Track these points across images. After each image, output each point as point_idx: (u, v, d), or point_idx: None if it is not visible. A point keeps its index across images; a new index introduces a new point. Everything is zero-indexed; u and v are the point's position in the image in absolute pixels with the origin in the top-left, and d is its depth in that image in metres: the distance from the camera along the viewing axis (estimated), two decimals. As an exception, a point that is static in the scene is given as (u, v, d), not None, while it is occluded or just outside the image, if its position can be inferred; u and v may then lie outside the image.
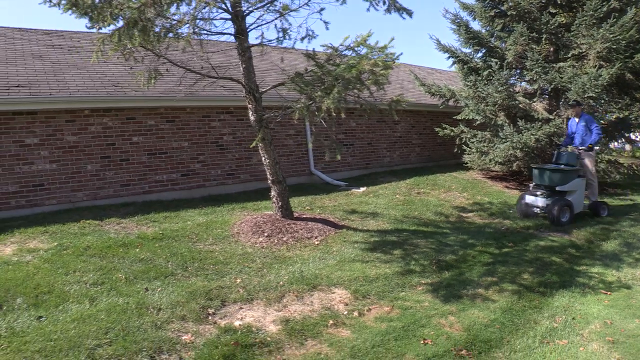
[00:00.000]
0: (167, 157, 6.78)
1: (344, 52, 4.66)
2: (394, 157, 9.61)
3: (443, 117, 10.03)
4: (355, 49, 4.61)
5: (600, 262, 4.76)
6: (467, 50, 8.73)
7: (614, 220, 6.37)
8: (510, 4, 7.78)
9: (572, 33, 7.58)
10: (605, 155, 7.91)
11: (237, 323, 3.17)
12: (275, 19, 4.63)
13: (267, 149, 5.02)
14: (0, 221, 5.67)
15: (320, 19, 4.76)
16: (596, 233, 5.80)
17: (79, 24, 55.58)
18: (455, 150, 9.22)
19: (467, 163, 8.98)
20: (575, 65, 7.48)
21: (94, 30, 4.67)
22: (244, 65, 4.83)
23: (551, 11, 7.90)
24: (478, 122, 8.41)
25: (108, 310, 3.22)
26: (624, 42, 6.97)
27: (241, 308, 3.44)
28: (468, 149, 8.63)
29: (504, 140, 7.79)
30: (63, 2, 3.69)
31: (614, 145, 10.37)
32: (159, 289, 3.64)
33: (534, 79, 7.79)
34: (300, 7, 4.19)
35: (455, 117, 9.05)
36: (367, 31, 4.56)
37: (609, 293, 3.94)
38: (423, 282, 4.09)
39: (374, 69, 3.57)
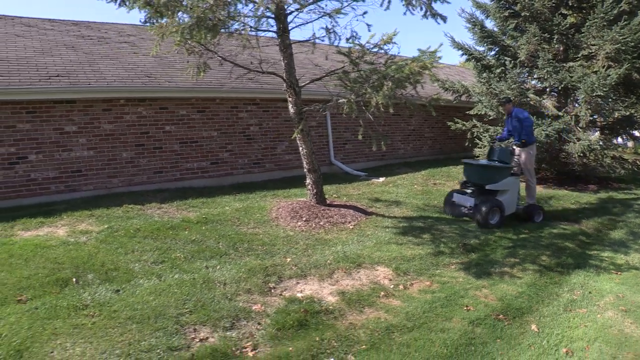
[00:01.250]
0: (197, 145, 7.25)
1: (372, 50, 5.17)
2: (407, 149, 10.17)
3: (454, 112, 10.59)
4: (382, 47, 5.13)
5: (609, 248, 5.37)
6: (481, 48, 9.30)
7: (620, 211, 7.00)
8: (523, 4, 8.32)
9: (582, 34, 8.15)
10: (611, 151, 8.53)
11: (299, 295, 3.68)
12: (317, 18, 5.10)
13: (304, 139, 5.52)
14: (43, 205, 6.13)
15: (364, 21, 5.23)
16: (604, 223, 6.42)
17: (90, 15, 54.96)
18: (467, 144, 9.79)
19: (478, 156, 9.54)
20: (584, 65, 8.07)
21: (147, 24, 5.14)
22: (285, 61, 5.31)
23: (562, 12, 8.46)
24: (491, 117, 8.98)
25: (178, 284, 3.69)
26: (632, 43, 7.55)
27: (298, 283, 3.96)
28: (480, 142, 9.20)
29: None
30: (140, 2, 4.09)
31: (616, 141, 11.02)
32: (218, 267, 4.14)
33: (545, 77, 8.36)
34: (343, 7, 4.63)
35: (467, 112, 9.61)
36: (393, 30, 5.08)
37: (619, 273, 4.54)
38: (454, 261, 4.66)
39: (422, 70, 4.08)
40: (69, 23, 8.87)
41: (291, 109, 5.47)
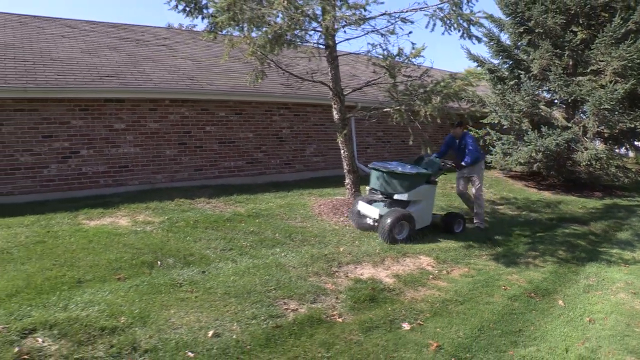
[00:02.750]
0: (234, 146, 8.06)
1: (403, 62, 6.06)
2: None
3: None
4: (411, 59, 6.04)
5: (617, 246, 6.33)
6: (496, 61, 10.31)
7: (625, 216, 8.01)
8: (537, 21, 9.33)
9: (591, 51, 9.19)
10: (615, 160, 9.56)
11: (361, 277, 4.52)
12: (363, 34, 5.98)
13: (346, 143, 6.39)
14: (93, 197, 6.88)
15: (409, 40, 6.11)
16: (610, 225, 7.40)
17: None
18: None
19: (490, 162, 10.53)
20: (593, 80, 9.10)
21: (212, 33, 5.95)
22: (332, 72, 6.17)
23: (573, 29, 9.50)
24: (505, 127, 9.96)
25: (254, 267, 4.48)
26: (638, 60, 8.60)
27: (356, 267, 4.79)
28: (494, 150, 10.18)
29: (527, 143, 9.36)
30: (224, 16, 4.87)
31: (619, 151, 12.13)
32: (282, 254, 4.94)
33: (556, 90, 9.39)
34: (395, 29, 5.50)
35: (481, 121, 10.58)
36: (421, 45, 5.99)
37: (627, 266, 5.48)
38: (483, 253, 5.55)
39: (466, 87, 4.99)
40: (107, 25, 9.64)
41: (335, 115, 6.34)
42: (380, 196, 5.75)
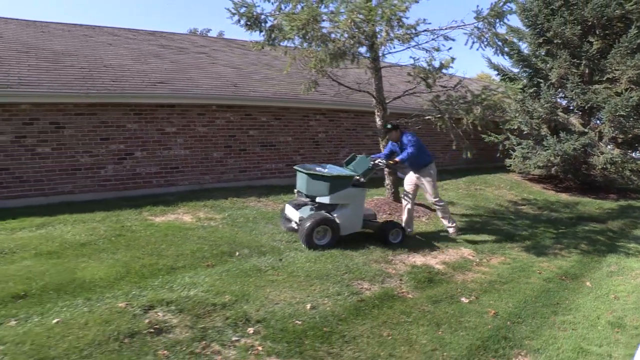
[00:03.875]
0: (275, 149, 9.00)
1: (437, 73, 7.01)
2: (446, 158, 12.08)
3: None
4: (442, 70, 6.98)
5: (634, 242, 7.28)
6: (516, 70, 11.31)
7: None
8: (555, 32, 10.33)
9: (607, 60, 10.19)
10: (629, 164, 10.54)
11: (415, 263, 5.45)
12: (404, 49, 6.93)
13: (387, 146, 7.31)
14: (148, 197, 7.76)
15: (449, 55, 7.10)
16: (627, 224, 8.37)
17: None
18: (498, 155, 11.75)
19: (509, 166, 11.50)
20: (608, 88, 10.10)
21: (276, 44, 6.87)
22: (376, 82, 7.12)
23: (589, 40, 10.51)
24: (525, 132, 10.94)
25: (322, 256, 5.25)
26: (652, 69, 9.61)
27: (408, 256, 5.69)
28: (514, 153, 11.15)
29: (546, 148, 10.33)
30: (300, 33, 5.72)
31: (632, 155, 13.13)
32: (343, 245, 5.86)
33: (573, 97, 10.38)
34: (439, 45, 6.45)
35: (500, 126, 11.56)
36: (450, 58, 6.96)
37: (644, 257, 6.45)
38: (515, 246, 6.49)
39: (503, 98, 5.94)
40: (145, 33, 10.58)
41: (378, 122, 7.28)
42: (307, 199, 5.67)
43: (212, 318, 3.54)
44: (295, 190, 5.93)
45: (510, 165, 11.44)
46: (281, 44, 6.85)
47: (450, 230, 6.49)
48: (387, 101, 7.24)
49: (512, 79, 11.36)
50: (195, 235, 5.76)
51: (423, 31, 6.06)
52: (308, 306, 3.89)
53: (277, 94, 8.97)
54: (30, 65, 7.86)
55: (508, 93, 6.05)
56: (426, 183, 6.33)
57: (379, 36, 5.77)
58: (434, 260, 5.62)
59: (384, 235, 5.86)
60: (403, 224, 6.31)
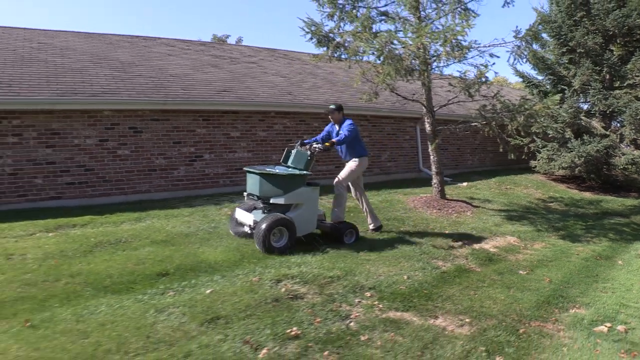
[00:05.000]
0: (325, 152, 10.30)
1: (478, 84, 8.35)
2: (474, 160, 13.44)
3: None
4: (478, 80, 8.33)
5: (656, 232, 8.65)
6: (540, 77, 12.69)
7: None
8: (578, 42, 11.72)
9: (627, 67, 11.57)
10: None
11: (474, 247, 6.76)
12: (451, 63, 8.29)
13: (436, 151, 8.66)
14: (217, 195, 9.06)
15: (492, 70, 8.46)
16: (649, 217, 9.74)
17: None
18: (523, 157, 13.10)
19: (535, 167, 12.85)
20: (629, 92, 11.47)
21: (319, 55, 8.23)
22: (426, 93, 8.47)
23: (611, 48, 11.90)
24: (550, 135, 12.30)
25: (397, 241, 6.63)
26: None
27: (465, 243, 7.00)
28: (539, 155, 12.51)
29: (570, 150, 11.69)
30: (390, 61, 7.01)
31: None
32: (406, 234, 7.18)
33: (595, 103, 11.76)
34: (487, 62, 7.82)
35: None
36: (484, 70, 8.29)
37: (665, 244, 7.79)
38: (551, 235, 7.81)
39: (541, 110, 7.30)
40: (197, 43, 11.97)
41: (428, 128, 8.63)
42: (259, 201, 5.71)
43: (333, 287, 4.75)
44: (245, 193, 5.90)
45: (536, 166, 12.79)
46: (342, 56, 8.15)
47: (330, 220, 6.50)
48: (435, 109, 8.60)
49: (536, 86, 12.74)
50: None
51: (473, 49, 7.42)
52: (405, 277, 5.19)
53: (327, 101, 10.31)
54: (106, 75, 9.22)
55: (548, 104, 7.41)
56: (347, 168, 6.40)
57: (437, 55, 7.11)
58: (487, 245, 6.95)
59: (339, 235, 6.06)
60: (369, 220, 6.69)
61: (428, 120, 8.57)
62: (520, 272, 5.79)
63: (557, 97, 7.57)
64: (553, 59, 12.64)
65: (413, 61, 6.90)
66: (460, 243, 6.88)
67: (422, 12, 7.93)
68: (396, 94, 8.37)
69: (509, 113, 7.49)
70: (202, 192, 9.20)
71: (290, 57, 12.85)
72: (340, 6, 8.16)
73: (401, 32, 7.22)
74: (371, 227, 6.86)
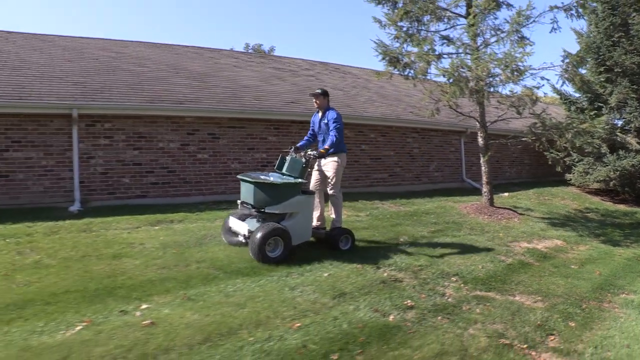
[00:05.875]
0: (380, 161, 11.64)
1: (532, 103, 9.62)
2: (511, 172, 14.70)
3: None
4: (522, 98, 9.60)
5: (687, 240, 9.82)
6: (577, 95, 13.95)
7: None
8: (616, 61, 12.97)
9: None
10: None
11: (527, 247, 8.00)
12: (502, 84, 9.58)
13: (487, 162, 9.94)
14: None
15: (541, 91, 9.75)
16: (680, 227, 10.91)
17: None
18: (559, 169, 14.32)
19: (570, 180, 14.07)
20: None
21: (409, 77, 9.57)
22: (480, 110, 9.76)
23: (647, 68, 13.16)
24: (586, 151, 13.52)
25: (463, 240, 7.93)
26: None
27: (518, 243, 8.22)
28: (575, 169, 13.73)
29: (606, 164, 12.91)
30: (458, 82, 8.33)
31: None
32: (469, 236, 8.40)
33: (630, 120, 12.98)
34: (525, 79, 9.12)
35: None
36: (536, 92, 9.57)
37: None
38: (593, 240, 9.02)
39: (588, 128, 8.58)
40: (257, 55, 13.49)
41: (480, 141, 9.91)
42: (253, 210, 5.77)
43: (424, 273, 5.94)
44: (239, 202, 5.98)
45: (571, 179, 14.01)
46: (409, 74, 9.49)
47: (335, 225, 6.52)
48: (487, 124, 9.90)
49: (573, 103, 13.99)
50: (357, 226, 8.19)
51: (527, 71, 8.72)
52: (479, 267, 6.45)
53: (384, 114, 11.66)
54: (185, 84, 10.62)
55: (595, 124, 8.69)
56: (332, 172, 6.30)
57: (497, 78, 8.43)
58: (539, 246, 8.19)
59: (334, 242, 6.20)
60: (335, 219, 6.55)
61: (481, 134, 9.86)
62: (572, 266, 7.03)
63: (603, 117, 8.83)
64: (591, 78, 13.89)
65: (477, 83, 8.19)
66: (514, 243, 8.14)
67: (480, 38, 9.26)
68: (456, 111, 9.66)
69: (557, 130, 8.76)
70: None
71: (342, 71, 14.24)
72: (405, 29, 9.53)
73: (462, 55, 8.57)
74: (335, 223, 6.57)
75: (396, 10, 9.32)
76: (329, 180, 6.35)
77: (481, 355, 3.92)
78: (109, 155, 9.10)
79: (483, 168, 10.08)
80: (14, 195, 8.48)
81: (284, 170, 6.10)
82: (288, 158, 6.19)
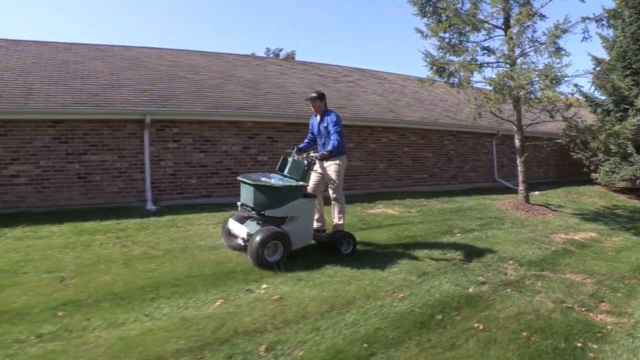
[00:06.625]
0: (420, 163, 12.82)
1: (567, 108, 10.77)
2: (539, 172, 15.85)
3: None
4: (556, 103, 10.76)
5: None
6: (603, 97, 15.09)
7: None
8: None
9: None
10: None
11: (565, 237, 9.16)
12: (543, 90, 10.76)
13: (523, 162, 11.10)
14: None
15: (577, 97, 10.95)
16: (703, 223, 12.01)
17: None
18: (584, 169, 15.47)
19: (596, 179, 15.21)
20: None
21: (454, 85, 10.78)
22: (517, 115, 10.93)
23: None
24: (613, 151, 14.65)
25: (511, 232, 9.07)
26: None
27: (557, 234, 9.37)
28: (601, 168, 14.86)
29: (632, 164, 14.03)
30: (503, 91, 9.51)
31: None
32: (511, 229, 9.57)
33: (655, 121, 14.12)
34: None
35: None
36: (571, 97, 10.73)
37: None
38: (624, 232, 10.14)
39: (620, 130, 9.74)
40: (298, 63, 14.67)
41: (517, 143, 11.07)
42: (253, 213, 5.80)
43: (484, 257, 7.03)
44: (239, 204, 6.00)
45: (597, 178, 15.15)
46: (453, 82, 10.69)
47: (338, 228, 6.57)
48: (523, 127, 11.07)
49: (599, 105, 15.15)
50: (412, 222, 9.35)
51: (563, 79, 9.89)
52: (530, 252, 7.63)
53: (423, 118, 12.85)
54: (242, 91, 11.82)
55: (626, 125, 9.85)
56: (333, 174, 6.37)
57: (536, 85, 9.61)
58: (575, 237, 9.34)
59: (336, 245, 6.24)
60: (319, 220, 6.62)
61: (518, 137, 11.03)
62: (610, 253, 8.19)
63: (634, 119, 9.98)
64: (618, 81, 15.02)
65: (519, 91, 9.38)
66: (553, 234, 9.30)
67: (518, 48, 10.44)
68: (496, 115, 10.83)
69: (590, 132, 9.92)
70: (324, 194, 11.67)
71: (378, 77, 15.47)
72: (447, 40, 10.74)
73: (501, 64, 9.78)
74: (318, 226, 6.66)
75: (440, 24, 10.50)
76: (331, 183, 6.42)
77: (550, 315, 5.08)
78: (177, 158, 10.22)
79: (519, 168, 11.23)
80: (91, 196, 9.63)
81: (285, 172, 6.13)
82: (290, 159, 6.23)
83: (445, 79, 10.47)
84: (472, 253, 7.25)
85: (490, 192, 13.21)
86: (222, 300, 4.66)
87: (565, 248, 8.24)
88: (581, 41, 10.62)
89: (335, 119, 6.34)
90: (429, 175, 12.95)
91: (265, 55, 24.15)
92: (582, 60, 71.17)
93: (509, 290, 5.77)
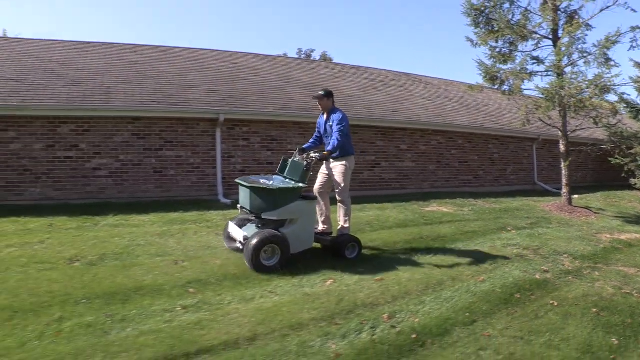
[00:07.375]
0: (466, 165, 13.78)
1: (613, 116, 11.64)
2: (577, 176, 16.71)
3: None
4: (603, 111, 11.64)
5: None
6: (640, 101, 15.95)
7: None
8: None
9: None
10: None
11: (610, 237, 10.05)
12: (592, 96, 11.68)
13: (567, 167, 12.01)
14: (391, 196, 12.48)
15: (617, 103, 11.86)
16: None
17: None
18: (623, 174, 16.32)
19: (635, 184, 16.02)
20: None
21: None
22: (562, 121, 11.84)
23: None
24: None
25: (556, 230, 10.00)
26: None
27: (602, 235, 10.24)
28: (637, 172, 15.67)
29: (670, 169, 14.85)
30: (554, 99, 10.48)
31: None
32: (558, 227, 10.50)
33: (694, 127, 14.92)
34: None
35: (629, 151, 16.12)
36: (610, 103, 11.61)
37: None
38: (666, 235, 11.05)
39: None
40: (349, 67, 15.69)
41: (562, 148, 11.99)
42: (251, 215, 5.84)
43: (541, 251, 7.96)
44: (239, 206, 6.03)
45: (636, 183, 15.96)
46: (504, 89, 11.65)
47: (343, 232, 6.54)
48: (568, 133, 12.00)
49: (637, 110, 16.00)
50: (466, 219, 10.33)
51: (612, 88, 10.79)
52: (582, 248, 8.57)
53: (470, 122, 13.81)
54: (300, 94, 12.86)
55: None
56: (339, 177, 6.35)
57: (585, 94, 10.54)
58: (621, 237, 10.23)
59: (339, 249, 6.23)
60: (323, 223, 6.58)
61: (563, 142, 11.94)
62: (656, 252, 9.12)
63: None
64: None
65: (569, 99, 10.33)
66: (598, 235, 10.20)
67: (566, 58, 11.37)
68: (545, 122, 11.77)
69: (637, 139, 10.82)
70: (379, 193, 12.65)
71: (423, 82, 16.47)
72: (498, 49, 11.71)
73: (550, 73, 10.74)
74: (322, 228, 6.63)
75: (492, 33, 11.48)
76: (337, 185, 6.38)
77: (612, 298, 6.04)
78: (246, 155, 11.30)
79: (563, 172, 12.15)
80: (166, 189, 10.75)
81: (285, 174, 6.17)
82: (290, 161, 6.25)
83: (497, 86, 11.42)
84: (529, 247, 8.22)
85: (532, 194, 14.13)
86: (331, 280, 5.57)
87: (613, 246, 9.16)
88: (628, 50, 11.52)
89: (340, 118, 6.29)
90: (474, 177, 13.90)
91: (297, 57, 25.27)
92: (624, 67, 71.42)
93: (570, 277, 6.73)
